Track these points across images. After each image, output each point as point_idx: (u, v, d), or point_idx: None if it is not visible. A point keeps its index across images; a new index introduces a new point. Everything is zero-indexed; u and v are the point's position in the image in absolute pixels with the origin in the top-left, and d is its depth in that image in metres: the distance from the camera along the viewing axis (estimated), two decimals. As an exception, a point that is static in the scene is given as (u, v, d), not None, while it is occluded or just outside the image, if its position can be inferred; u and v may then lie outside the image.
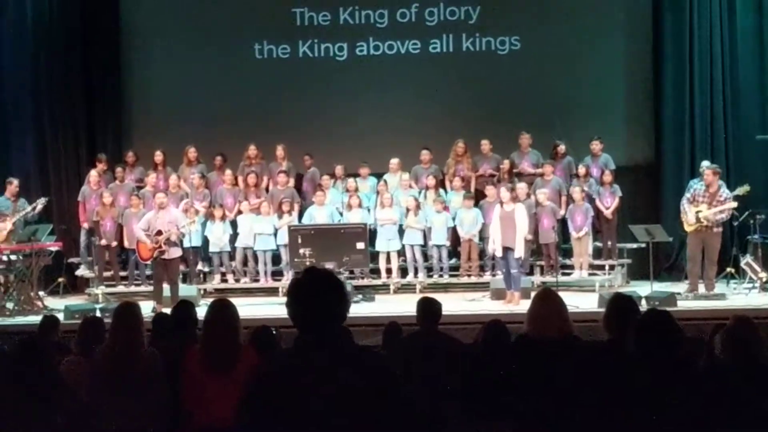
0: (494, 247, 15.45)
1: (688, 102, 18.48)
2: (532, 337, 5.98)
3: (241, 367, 6.58)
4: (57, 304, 16.17)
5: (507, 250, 15.21)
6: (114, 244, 17.39)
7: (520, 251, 15.22)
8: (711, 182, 15.57)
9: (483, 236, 17.10)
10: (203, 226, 17.49)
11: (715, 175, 15.68)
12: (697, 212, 15.45)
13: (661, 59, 18.78)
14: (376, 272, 17.38)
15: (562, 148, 17.87)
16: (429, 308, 8.47)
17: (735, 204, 15.61)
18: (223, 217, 17.41)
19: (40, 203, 17.20)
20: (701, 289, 15.68)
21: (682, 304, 14.49)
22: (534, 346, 5.92)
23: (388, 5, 19.32)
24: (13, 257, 15.75)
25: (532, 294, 14.96)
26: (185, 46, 19.59)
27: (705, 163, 16.45)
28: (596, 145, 17.67)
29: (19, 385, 6.38)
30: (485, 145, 18.01)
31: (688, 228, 15.79)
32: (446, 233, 17.21)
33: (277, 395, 4.20)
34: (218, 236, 17.42)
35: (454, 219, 17.27)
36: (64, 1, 19.44)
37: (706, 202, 15.50)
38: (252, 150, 18.22)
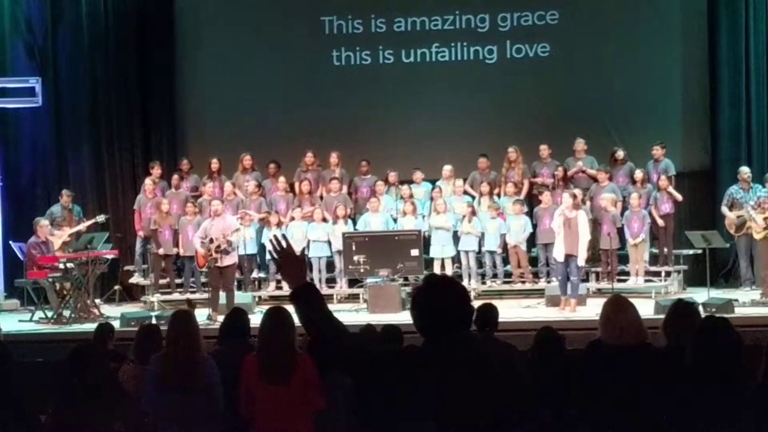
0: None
1: (744, 108, 18.33)
2: (609, 344, 5.93)
3: (298, 377, 6.58)
4: (113, 311, 16.28)
5: (568, 256, 15.14)
6: (173, 252, 17.51)
7: (582, 258, 15.14)
8: None
9: (535, 243, 17.09)
10: (259, 233, 17.53)
11: None
12: (765, 218, 15.41)
13: (717, 65, 18.64)
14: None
15: (620, 154, 17.76)
16: (488, 315, 8.45)
17: None
18: (279, 224, 17.41)
19: (100, 219, 17.40)
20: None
21: (740, 311, 14.35)
22: (611, 352, 5.87)
23: (440, 12, 19.29)
24: (69, 265, 15.87)
25: (588, 301, 14.98)
26: (239, 53, 19.69)
27: None
28: (657, 150, 17.57)
29: (76, 392, 6.40)
30: (544, 150, 17.96)
31: (756, 235, 15.76)
32: (499, 240, 17.14)
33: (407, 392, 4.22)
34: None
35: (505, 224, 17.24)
36: (119, 8, 19.60)
37: None
38: (309, 157, 18.25)
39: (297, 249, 17.21)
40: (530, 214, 17.29)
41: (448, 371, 4.23)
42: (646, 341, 5.97)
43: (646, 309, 14.14)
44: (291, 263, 4.53)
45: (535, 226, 17.14)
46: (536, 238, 17.15)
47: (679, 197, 17.23)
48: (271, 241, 4.61)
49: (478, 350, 4.41)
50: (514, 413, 4.32)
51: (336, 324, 4.39)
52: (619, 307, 6.10)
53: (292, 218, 17.50)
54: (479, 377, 4.25)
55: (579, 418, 5.90)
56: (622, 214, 16.93)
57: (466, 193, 17.78)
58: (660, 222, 17.01)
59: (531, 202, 17.69)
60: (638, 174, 17.29)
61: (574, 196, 15.53)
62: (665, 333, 6.22)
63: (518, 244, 17.08)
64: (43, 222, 16.73)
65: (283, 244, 4.53)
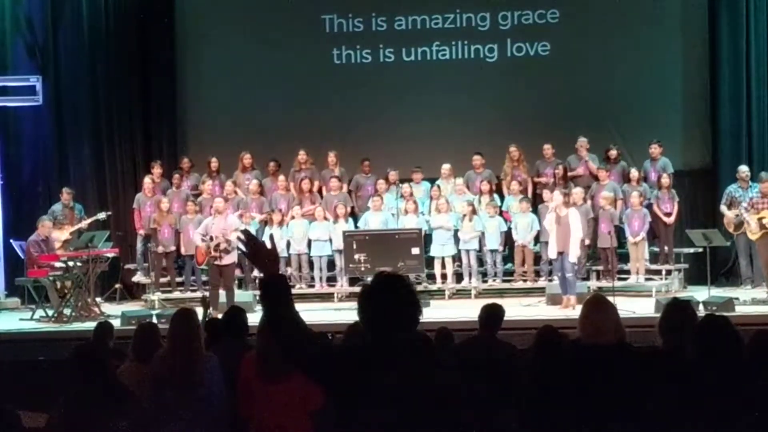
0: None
1: (745, 106, 18.32)
2: (586, 343, 5.93)
3: (297, 375, 6.56)
4: (113, 310, 16.25)
5: (561, 254, 15.15)
6: (172, 249, 17.49)
7: (574, 256, 15.14)
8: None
9: (539, 241, 17.07)
10: (260, 232, 17.47)
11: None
12: (760, 218, 15.49)
13: (718, 63, 18.62)
14: (431, 277, 17.31)
15: (613, 152, 17.75)
16: (492, 315, 8.43)
17: None
18: (281, 222, 17.40)
19: (101, 216, 17.41)
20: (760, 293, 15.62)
21: (741, 309, 14.34)
22: (588, 352, 5.87)
23: (441, 11, 19.31)
24: (70, 263, 15.86)
25: (588, 299, 14.96)
26: (239, 52, 19.70)
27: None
28: (655, 149, 17.57)
29: (80, 392, 6.38)
30: (547, 149, 17.97)
31: (752, 236, 15.90)
32: (499, 238, 17.14)
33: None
34: (277, 241, 17.32)
35: (507, 223, 17.21)
36: (120, 8, 19.63)
37: (766, 208, 15.56)
38: (302, 155, 18.25)
39: (300, 248, 17.27)
40: (534, 212, 17.26)
41: (387, 372, 4.23)
42: (623, 341, 5.97)
43: (646, 307, 14.16)
44: (262, 254, 4.47)
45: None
46: (539, 236, 17.13)
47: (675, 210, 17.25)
48: (239, 237, 4.57)
49: (418, 354, 4.39)
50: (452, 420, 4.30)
51: (299, 320, 4.36)
52: (597, 306, 6.10)
53: (293, 217, 17.49)
54: (415, 380, 4.25)
55: (557, 417, 5.89)
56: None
57: (465, 192, 17.73)
58: (666, 220, 17.01)
59: (535, 200, 17.66)
60: (634, 173, 17.29)
61: (565, 195, 15.58)
62: (661, 334, 6.19)
63: (526, 243, 17.10)
64: (47, 221, 16.72)
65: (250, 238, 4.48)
